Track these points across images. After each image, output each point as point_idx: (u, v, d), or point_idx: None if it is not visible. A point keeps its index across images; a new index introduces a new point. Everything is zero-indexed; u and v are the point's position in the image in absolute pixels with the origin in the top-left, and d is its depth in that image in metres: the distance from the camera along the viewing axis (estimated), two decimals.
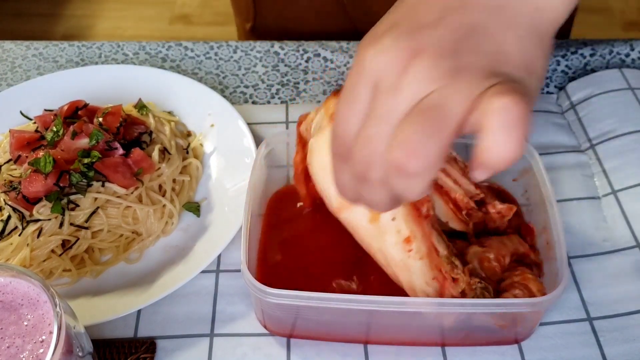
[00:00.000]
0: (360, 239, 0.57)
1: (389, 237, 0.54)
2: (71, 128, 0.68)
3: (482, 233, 0.63)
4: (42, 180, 0.65)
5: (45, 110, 0.77)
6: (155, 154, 0.72)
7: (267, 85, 0.87)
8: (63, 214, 0.66)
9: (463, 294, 0.54)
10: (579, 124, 0.79)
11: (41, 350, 0.43)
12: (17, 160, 0.69)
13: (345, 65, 0.90)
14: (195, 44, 0.93)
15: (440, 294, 0.54)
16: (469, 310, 0.55)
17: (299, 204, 0.69)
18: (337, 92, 0.54)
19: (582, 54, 0.90)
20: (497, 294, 0.57)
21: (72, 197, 0.67)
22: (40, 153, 0.67)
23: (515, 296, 0.57)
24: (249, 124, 0.78)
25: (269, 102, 0.86)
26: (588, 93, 0.81)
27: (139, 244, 0.69)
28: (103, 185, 0.68)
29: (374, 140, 0.40)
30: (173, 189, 0.73)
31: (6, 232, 0.66)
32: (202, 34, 2.51)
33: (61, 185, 0.66)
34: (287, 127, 0.81)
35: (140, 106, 0.77)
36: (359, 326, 0.61)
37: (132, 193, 0.69)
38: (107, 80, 0.84)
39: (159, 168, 0.72)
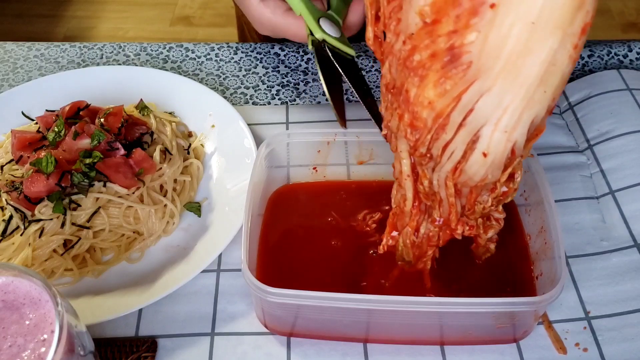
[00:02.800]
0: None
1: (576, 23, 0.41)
2: (73, 128, 0.69)
3: None
4: (44, 180, 0.65)
5: (47, 110, 0.77)
6: (157, 155, 0.72)
7: (268, 87, 0.88)
8: (65, 214, 0.66)
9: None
10: (577, 124, 0.79)
11: (43, 349, 0.43)
12: (19, 160, 0.70)
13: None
14: (196, 45, 0.94)
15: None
16: (468, 309, 0.55)
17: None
18: None
19: (580, 55, 0.90)
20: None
21: (74, 197, 0.67)
22: (42, 153, 0.67)
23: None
24: (249, 125, 0.78)
25: (269, 103, 0.86)
26: (586, 94, 0.81)
27: (140, 244, 0.69)
28: (104, 186, 0.68)
29: None
30: (174, 189, 0.73)
31: (8, 231, 0.67)
32: (203, 35, 2.51)
33: (63, 185, 0.66)
34: (287, 128, 0.82)
35: (142, 107, 0.78)
36: (358, 325, 0.61)
37: (133, 193, 0.69)
38: (109, 81, 0.84)
39: (160, 168, 0.72)
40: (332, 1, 0.67)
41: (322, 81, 0.65)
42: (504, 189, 0.53)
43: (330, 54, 0.63)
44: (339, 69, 0.63)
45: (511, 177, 0.52)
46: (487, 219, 0.58)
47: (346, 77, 0.63)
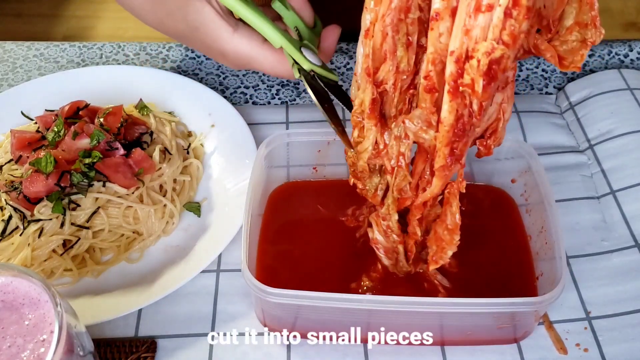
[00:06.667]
0: None
1: None
2: (72, 128, 0.69)
3: None
4: (43, 180, 0.65)
5: (46, 110, 0.77)
6: (156, 154, 0.72)
7: (268, 86, 0.88)
8: (64, 214, 0.66)
9: None
10: (577, 124, 0.79)
11: (42, 350, 0.43)
12: (18, 160, 0.70)
13: (345, 66, 0.90)
14: None
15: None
16: (469, 310, 0.55)
17: None
18: None
19: None
20: None
21: (73, 197, 0.67)
22: (42, 153, 0.67)
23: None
24: (249, 125, 0.78)
25: (269, 103, 0.86)
26: (587, 94, 0.81)
27: (139, 244, 0.69)
28: (104, 185, 0.68)
29: None
30: (174, 189, 0.73)
31: (7, 232, 0.66)
32: None
33: (62, 185, 0.66)
34: (287, 128, 0.82)
35: (141, 106, 0.77)
36: (358, 325, 0.61)
37: (133, 193, 0.69)
38: (108, 80, 0.84)
39: (160, 168, 0.72)
40: (303, 33, 0.64)
41: (323, 112, 0.61)
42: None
43: (322, 84, 0.61)
44: (332, 96, 0.61)
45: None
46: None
47: (342, 102, 0.61)
